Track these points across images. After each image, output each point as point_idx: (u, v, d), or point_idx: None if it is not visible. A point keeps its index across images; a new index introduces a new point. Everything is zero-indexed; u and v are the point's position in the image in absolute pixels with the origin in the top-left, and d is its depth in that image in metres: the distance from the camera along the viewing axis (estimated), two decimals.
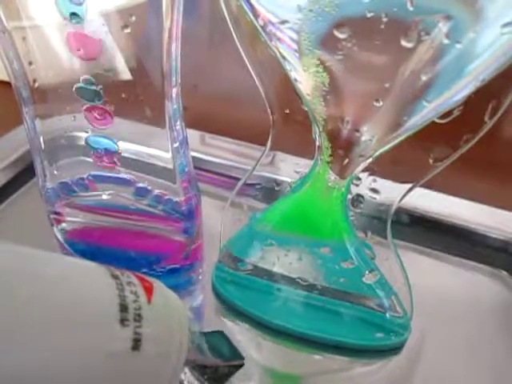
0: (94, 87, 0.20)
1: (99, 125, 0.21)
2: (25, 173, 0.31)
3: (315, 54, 0.14)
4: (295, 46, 0.15)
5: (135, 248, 0.24)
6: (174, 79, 0.21)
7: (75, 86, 0.20)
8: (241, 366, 0.18)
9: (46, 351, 0.11)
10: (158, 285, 0.15)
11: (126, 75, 0.21)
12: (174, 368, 0.14)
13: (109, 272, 0.14)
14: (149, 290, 0.14)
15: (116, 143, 0.22)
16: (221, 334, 0.18)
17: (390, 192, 0.22)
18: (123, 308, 0.13)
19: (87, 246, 0.24)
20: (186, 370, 0.17)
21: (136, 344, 0.13)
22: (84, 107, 0.21)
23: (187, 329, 0.15)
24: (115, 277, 0.14)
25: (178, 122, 0.22)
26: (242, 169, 0.32)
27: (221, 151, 0.34)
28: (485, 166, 0.35)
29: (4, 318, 0.11)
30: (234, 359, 0.17)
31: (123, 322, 0.13)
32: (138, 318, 0.13)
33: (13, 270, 0.12)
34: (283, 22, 0.14)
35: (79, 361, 0.12)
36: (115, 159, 0.23)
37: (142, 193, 0.24)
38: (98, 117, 0.21)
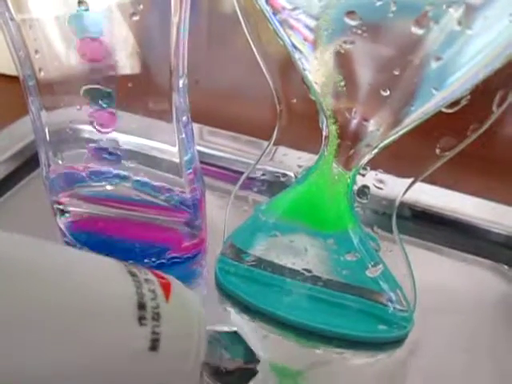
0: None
1: (105, 114, 0.21)
2: (27, 164, 0.30)
3: (332, 41, 0.14)
4: (310, 34, 0.15)
5: (139, 239, 0.24)
6: (180, 72, 0.21)
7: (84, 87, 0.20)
8: (255, 373, 0.18)
9: (62, 350, 0.11)
10: (175, 282, 0.15)
11: (132, 69, 0.21)
12: (192, 368, 0.14)
13: (126, 269, 0.14)
14: (166, 288, 0.14)
15: (123, 136, 0.22)
16: (235, 334, 0.17)
17: (395, 185, 0.22)
18: (141, 306, 0.13)
19: (90, 237, 0.24)
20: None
21: (154, 344, 0.13)
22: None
23: (205, 328, 0.15)
24: (132, 274, 0.14)
25: (185, 114, 0.22)
26: (245, 163, 0.32)
27: (223, 145, 0.34)
28: (488, 162, 0.36)
29: (24, 312, 0.11)
30: (250, 361, 0.17)
31: (141, 320, 0.12)
32: (157, 316, 0.13)
33: (35, 263, 0.12)
34: (295, 9, 0.14)
35: (95, 360, 0.12)
36: (120, 152, 0.23)
37: (146, 184, 0.24)
38: (105, 105, 0.21)
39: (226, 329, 0.17)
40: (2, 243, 0.11)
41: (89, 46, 0.20)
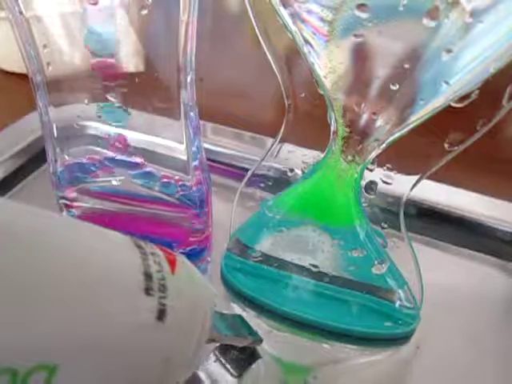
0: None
1: (113, 110, 0.21)
2: (34, 160, 0.31)
3: (342, 34, 0.14)
4: (321, 27, 0.15)
5: (144, 234, 0.24)
6: (188, 68, 0.21)
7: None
8: (258, 357, 0.19)
9: (69, 319, 0.11)
10: (181, 258, 0.15)
11: (136, 67, 0.21)
12: (198, 341, 0.14)
13: (132, 241, 0.14)
14: (172, 262, 0.14)
15: (130, 133, 0.22)
16: (239, 317, 0.18)
17: (402, 181, 0.22)
18: (148, 277, 0.13)
19: None
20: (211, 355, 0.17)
21: (160, 315, 0.13)
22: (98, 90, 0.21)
23: (211, 303, 0.15)
24: (139, 246, 0.14)
25: (192, 110, 0.22)
26: (249, 159, 0.32)
27: (226, 142, 0.34)
28: (494, 160, 0.36)
29: (30, 282, 0.11)
30: (254, 340, 0.17)
31: (148, 291, 0.12)
32: (163, 288, 0.13)
33: (46, 233, 0.12)
34: (306, 1, 0.14)
35: (104, 330, 0.12)
36: (127, 148, 0.23)
37: (152, 179, 0.24)
38: (113, 100, 0.21)
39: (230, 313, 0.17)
40: (11, 212, 0.12)
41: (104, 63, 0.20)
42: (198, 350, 0.14)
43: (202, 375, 0.19)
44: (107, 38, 0.20)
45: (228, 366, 0.19)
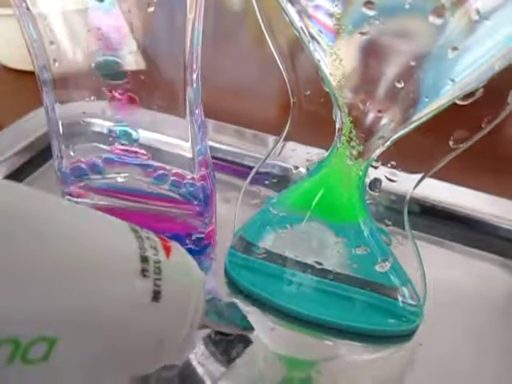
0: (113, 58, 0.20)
1: (119, 107, 0.22)
2: (39, 157, 0.31)
3: (349, 32, 0.14)
4: (328, 24, 0.15)
5: (149, 230, 0.24)
6: (195, 66, 0.21)
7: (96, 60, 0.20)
8: (249, 342, 0.19)
9: (72, 294, 0.12)
10: (176, 245, 0.16)
11: (139, 65, 0.21)
12: (191, 324, 0.14)
13: (129, 226, 0.14)
14: (167, 248, 0.15)
15: (136, 130, 0.22)
16: (233, 304, 0.18)
17: (406, 178, 0.22)
18: (144, 259, 0.13)
19: None
20: (200, 343, 0.18)
21: (156, 296, 0.13)
22: (104, 87, 0.21)
23: (203, 288, 0.15)
24: (135, 230, 0.14)
25: (198, 107, 0.22)
26: (252, 157, 0.32)
27: (229, 139, 0.34)
28: (498, 158, 0.36)
29: (31, 260, 0.11)
30: (245, 328, 0.18)
31: (144, 272, 0.13)
32: (158, 270, 0.13)
33: (44, 215, 0.12)
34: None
35: (101, 308, 0.12)
36: (132, 145, 0.23)
37: (157, 176, 0.24)
38: (119, 96, 0.21)
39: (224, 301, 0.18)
40: (9, 194, 0.12)
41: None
42: (191, 333, 0.15)
43: (198, 369, 0.19)
44: (112, 35, 0.20)
45: (217, 354, 0.19)
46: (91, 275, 0.12)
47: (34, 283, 0.11)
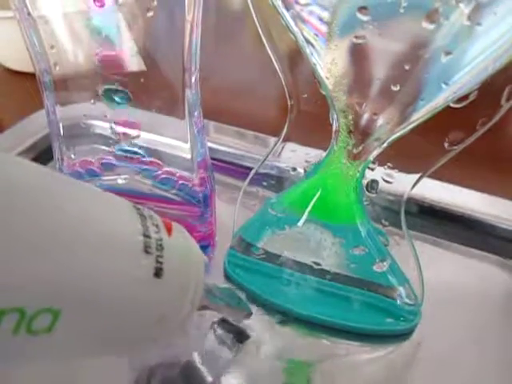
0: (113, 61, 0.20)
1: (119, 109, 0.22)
2: (39, 158, 0.31)
3: (344, 36, 0.15)
4: (322, 29, 0.15)
5: None
6: (193, 68, 0.21)
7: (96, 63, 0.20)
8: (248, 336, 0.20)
9: (76, 268, 0.12)
10: (177, 225, 0.16)
11: (140, 67, 0.21)
12: (192, 302, 0.15)
13: (131, 204, 0.14)
14: (168, 226, 0.15)
15: (135, 132, 0.23)
16: (231, 289, 0.18)
17: (403, 179, 0.22)
18: (146, 236, 0.13)
19: None
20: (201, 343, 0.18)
21: (158, 271, 0.13)
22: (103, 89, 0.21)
23: (203, 267, 0.16)
24: (137, 209, 0.14)
25: (197, 109, 0.22)
26: (252, 158, 0.32)
27: (229, 141, 0.34)
28: (495, 158, 0.36)
29: (34, 232, 0.11)
30: (244, 312, 0.18)
31: (146, 249, 0.13)
32: (160, 248, 0.14)
33: (52, 190, 0.12)
34: (308, 5, 0.14)
35: (104, 282, 0.12)
36: (132, 147, 0.23)
37: (157, 178, 0.24)
38: (119, 101, 0.21)
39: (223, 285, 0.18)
40: (11, 167, 0.12)
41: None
42: (192, 312, 0.15)
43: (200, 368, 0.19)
44: (112, 38, 0.20)
45: (217, 353, 0.19)
46: (94, 250, 0.12)
47: (37, 255, 0.11)
